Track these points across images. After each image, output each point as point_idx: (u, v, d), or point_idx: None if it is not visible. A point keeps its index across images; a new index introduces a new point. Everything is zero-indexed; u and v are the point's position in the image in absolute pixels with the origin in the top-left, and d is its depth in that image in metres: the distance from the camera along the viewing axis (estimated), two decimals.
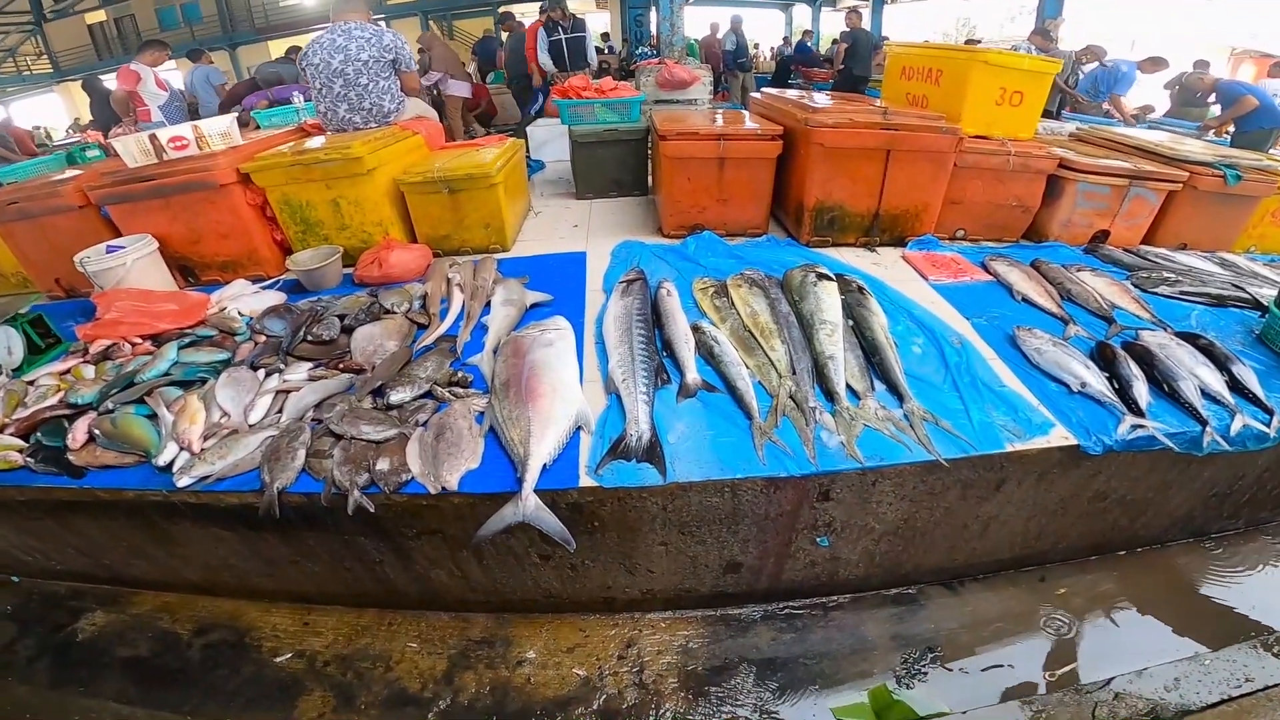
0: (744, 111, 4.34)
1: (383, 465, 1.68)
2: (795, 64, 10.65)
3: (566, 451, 1.72)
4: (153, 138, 2.88)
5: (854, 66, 7.28)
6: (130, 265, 2.77)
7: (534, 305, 2.61)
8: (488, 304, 2.60)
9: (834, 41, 13.36)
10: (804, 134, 3.04)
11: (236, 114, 3.95)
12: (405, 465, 1.68)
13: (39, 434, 2.10)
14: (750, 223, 3.47)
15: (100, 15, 19.25)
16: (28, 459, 2.03)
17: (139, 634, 2.31)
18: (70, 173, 3.32)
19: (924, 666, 1.91)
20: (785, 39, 17.53)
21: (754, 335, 2.21)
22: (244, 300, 2.78)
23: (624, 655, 1.97)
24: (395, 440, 1.78)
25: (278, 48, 17.17)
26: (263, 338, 2.50)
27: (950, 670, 1.90)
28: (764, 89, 4.55)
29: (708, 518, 1.75)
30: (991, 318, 2.50)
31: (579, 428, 1.78)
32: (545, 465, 1.60)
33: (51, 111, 18.99)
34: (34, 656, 2.28)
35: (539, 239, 3.52)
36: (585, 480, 1.64)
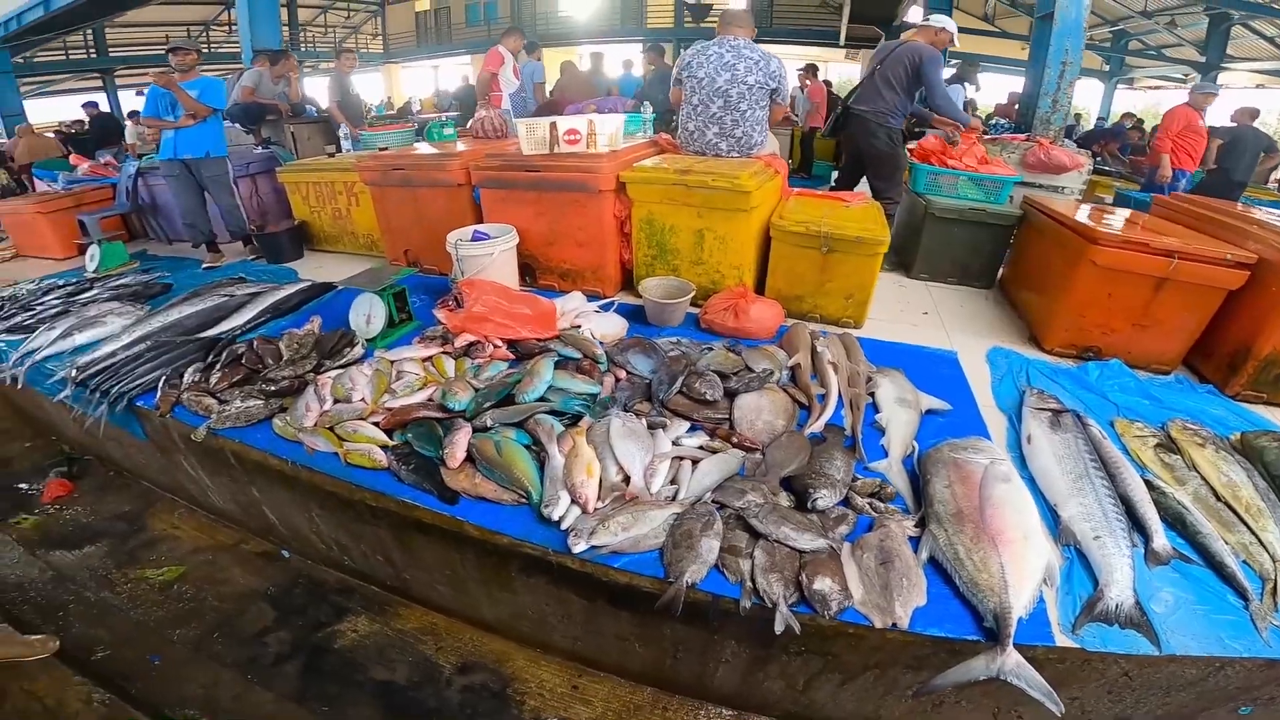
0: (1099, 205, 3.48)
1: (822, 585, 1.43)
2: (1101, 145, 9.09)
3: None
4: (552, 126, 2.80)
5: (1233, 170, 5.90)
6: (496, 256, 2.69)
7: (928, 411, 2.16)
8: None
9: (1133, 124, 11.44)
10: None
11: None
12: (846, 589, 1.44)
13: (409, 434, 1.94)
14: (1161, 356, 2.72)
15: (426, 4, 22.37)
16: (395, 463, 1.86)
17: (400, 655, 2.13)
18: (459, 147, 3.40)
19: None
20: (1076, 116, 15.59)
21: (1232, 509, 1.83)
22: (592, 319, 2.58)
23: None
24: (825, 554, 1.52)
25: (550, 58, 18.68)
26: (623, 373, 2.25)
27: None
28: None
29: (1157, 687, 1.52)
30: None
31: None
32: (1021, 619, 1.41)
33: (372, 89, 21.95)
34: (286, 655, 2.15)
35: (886, 319, 3.01)
36: (1061, 639, 1.43)
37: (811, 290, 2.79)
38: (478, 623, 2.16)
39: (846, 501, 1.71)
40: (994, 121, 5.72)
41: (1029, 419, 2.10)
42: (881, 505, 1.71)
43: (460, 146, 3.63)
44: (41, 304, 3.32)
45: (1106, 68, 17.45)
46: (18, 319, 3.19)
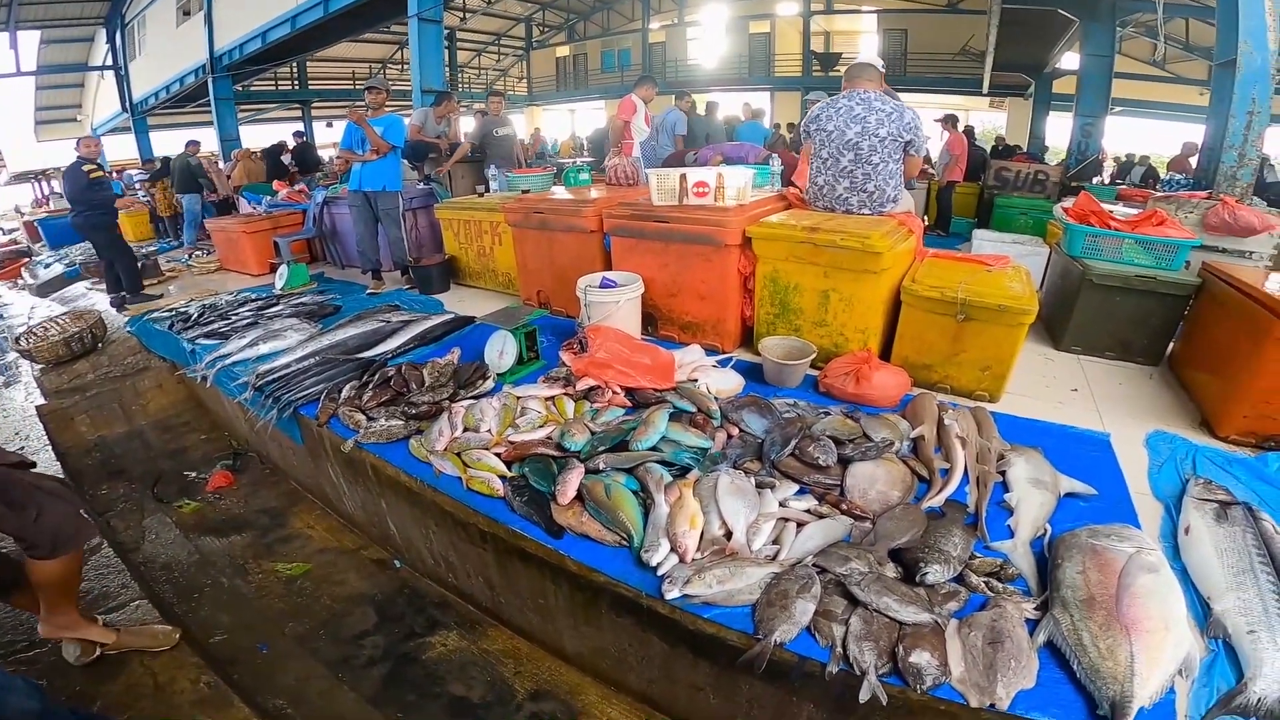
0: None
1: (919, 658, 1.39)
2: None
3: None
4: (682, 178, 2.90)
5: None
6: (621, 304, 2.80)
7: (1068, 495, 1.99)
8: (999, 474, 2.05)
9: None
10: None
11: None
12: (945, 665, 1.39)
13: (526, 468, 2.05)
14: None
15: (566, 50, 24.13)
16: (510, 494, 1.98)
17: (479, 674, 2.21)
18: (593, 194, 3.60)
19: None
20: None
21: None
22: (709, 374, 2.60)
23: None
24: (928, 628, 1.47)
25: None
26: (735, 430, 2.24)
27: None
28: None
29: None
30: None
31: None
32: (1143, 708, 1.36)
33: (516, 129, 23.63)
34: (376, 659, 2.29)
35: (1027, 395, 2.76)
36: None
37: (942, 359, 2.63)
38: (558, 653, 2.23)
39: (961, 579, 1.64)
40: (1169, 177, 5.11)
41: (1190, 509, 1.94)
42: (999, 585, 1.63)
43: (594, 192, 3.84)
44: (236, 314, 3.89)
45: None
46: (214, 325, 3.76)
